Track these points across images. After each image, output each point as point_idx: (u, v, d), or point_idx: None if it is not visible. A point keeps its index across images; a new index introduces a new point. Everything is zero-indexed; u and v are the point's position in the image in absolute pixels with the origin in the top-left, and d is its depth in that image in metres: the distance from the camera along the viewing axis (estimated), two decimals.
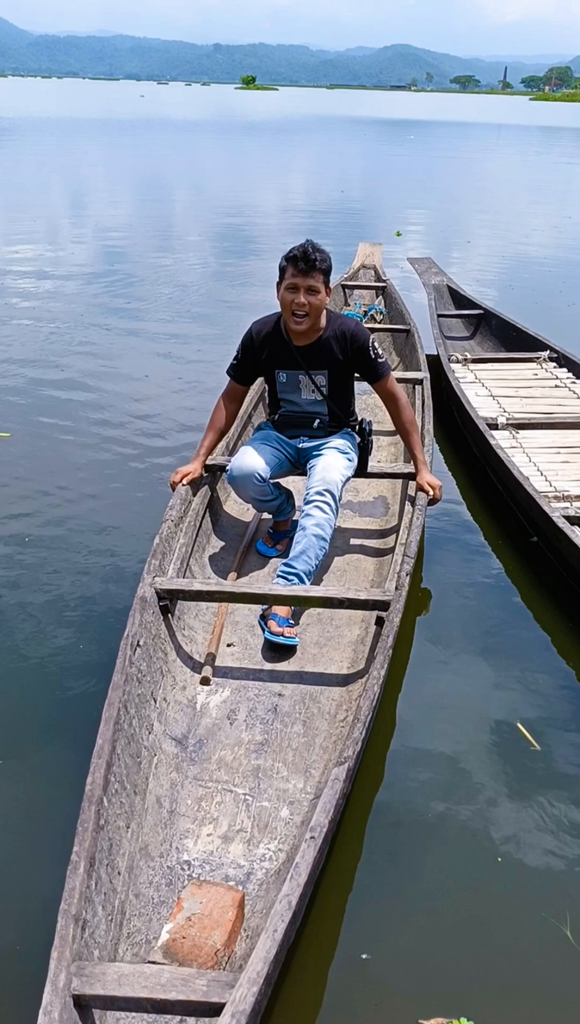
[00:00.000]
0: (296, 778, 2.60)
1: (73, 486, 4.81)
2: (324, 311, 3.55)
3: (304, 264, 3.36)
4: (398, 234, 14.25)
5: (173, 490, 3.60)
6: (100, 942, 1.94)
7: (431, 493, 3.67)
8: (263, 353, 3.64)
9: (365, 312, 7.27)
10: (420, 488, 3.68)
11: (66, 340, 7.70)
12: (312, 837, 1.99)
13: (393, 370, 3.98)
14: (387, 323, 7.13)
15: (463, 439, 5.44)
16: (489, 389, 5.72)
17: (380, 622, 3.00)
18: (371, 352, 3.59)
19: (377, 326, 6.73)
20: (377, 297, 7.74)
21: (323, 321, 3.56)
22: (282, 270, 3.46)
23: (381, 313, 7.34)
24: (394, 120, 72.47)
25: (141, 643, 2.79)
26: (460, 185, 24.09)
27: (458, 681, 3.34)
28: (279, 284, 3.48)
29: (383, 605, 3.00)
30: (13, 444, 5.40)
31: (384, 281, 7.86)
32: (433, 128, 59.16)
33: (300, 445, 3.74)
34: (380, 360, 3.63)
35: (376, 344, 3.64)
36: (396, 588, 3.06)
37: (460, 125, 65.68)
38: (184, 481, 3.64)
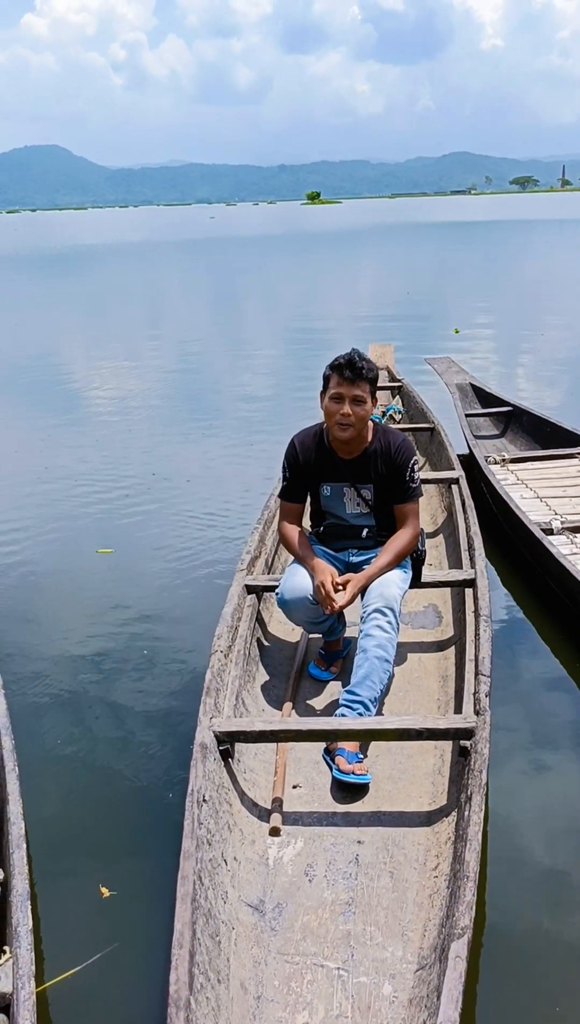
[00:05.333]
0: (393, 944, 2.27)
1: (161, 606, 4.80)
2: (369, 422, 3.46)
3: (350, 372, 3.27)
4: (456, 331, 14.30)
5: (333, 613, 3.26)
6: None
7: (338, 599, 3.21)
8: (308, 467, 3.52)
9: (383, 412, 7.14)
10: (338, 582, 3.26)
11: (157, 455, 7.86)
12: None
13: (420, 468, 3.77)
14: (407, 422, 6.99)
15: (508, 543, 5.19)
16: (534, 491, 5.46)
17: (463, 752, 2.74)
18: (408, 473, 3.42)
19: (398, 426, 6.55)
20: (394, 397, 7.66)
21: (370, 434, 3.45)
22: (326, 379, 3.37)
23: (400, 412, 7.23)
24: (456, 222, 74.13)
25: (207, 798, 2.55)
26: (523, 281, 24.21)
27: (547, 813, 3.05)
28: (323, 393, 3.39)
29: (466, 733, 2.75)
30: (114, 559, 5.49)
31: (399, 380, 7.80)
32: (495, 228, 60.27)
33: (350, 559, 3.56)
34: (413, 485, 3.45)
35: (417, 467, 3.47)
36: (477, 713, 2.82)
37: (522, 223, 66.77)
38: (341, 586, 3.28)
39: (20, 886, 2.18)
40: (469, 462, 5.82)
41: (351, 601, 3.29)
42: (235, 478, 7.06)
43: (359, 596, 3.36)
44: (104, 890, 2.72)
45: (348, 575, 3.35)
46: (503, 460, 6.02)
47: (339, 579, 3.31)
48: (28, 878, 2.23)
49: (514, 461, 6.06)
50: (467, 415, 6.93)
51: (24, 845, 2.32)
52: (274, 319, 17.84)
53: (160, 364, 12.89)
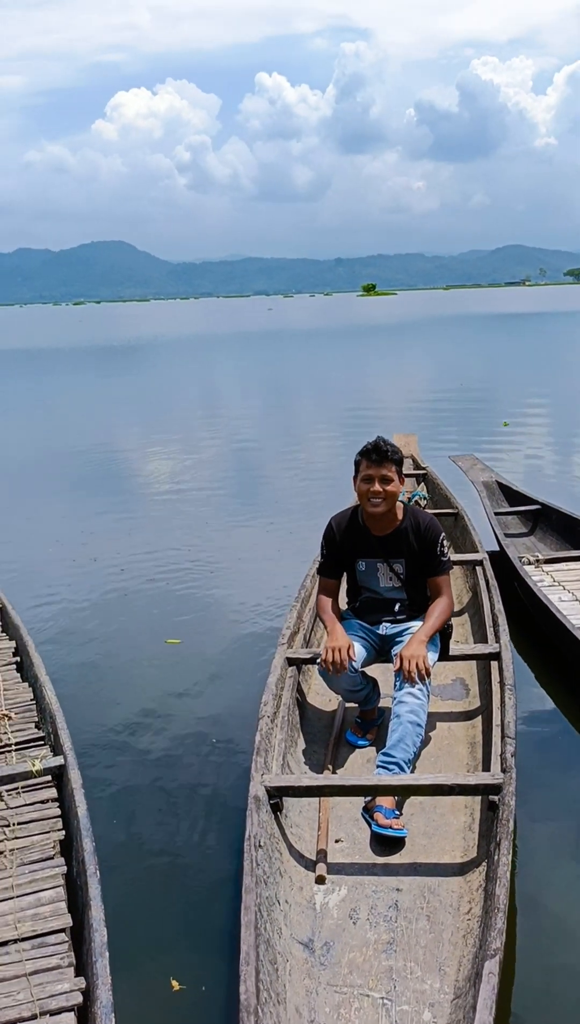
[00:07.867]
0: (431, 977, 2.53)
1: (226, 694, 5.01)
2: (399, 503, 3.83)
3: (377, 456, 3.69)
4: (505, 424, 14.44)
5: (336, 673, 3.60)
6: None
7: (407, 665, 3.51)
8: (345, 544, 3.90)
9: (409, 499, 7.27)
10: (399, 654, 3.58)
11: (216, 541, 8.22)
12: None
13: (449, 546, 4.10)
14: (432, 508, 7.21)
15: (544, 641, 5.22)
16: (573, 593, 5.33)
17: (492, 807, 3.00)
18: (438, 548, 3.78)
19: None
20: (419, 484, 7.94)
21: (400, 513, 3.83)
22: (357, 464, 3.79)
23: (425, 499, 7.47)
24: (511, 314, 74.55)
25: (262, 843, 2.83)
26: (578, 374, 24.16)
27: (574, 864, 3.30)
28: (355, 478, 3.80)
29: (494, 789, 3.01)
30: (182, 649, 5.70)
31: (424, 468, 8.08)
32: (550, 319, 60.65)
33: (383, 632, 3.88)
34: (443, 559, 3.81)
35: (446, 542, 3.84)
36: (504, 771, 3.09)
37: (578, 315, 67.05)
38: (350, 654, 3.63)
39: (104, 997, 2.16)
40: (501, 560, 5.81)
41: (423, 653, 3.56)
42: (288, 558, 7.35)
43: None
44: (175, 983, 2.80)
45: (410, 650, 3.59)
46: (537, 561, 5.92)
47: (354, 653, 3.66)
48: (111, 988, 2.19)
49: (548, 562, 5.95)
50: (496, 513, 6.89)
51: (106, 954, 2.29)
52: (329, 408, 18.21)
53: (218, 451, 13.47)
